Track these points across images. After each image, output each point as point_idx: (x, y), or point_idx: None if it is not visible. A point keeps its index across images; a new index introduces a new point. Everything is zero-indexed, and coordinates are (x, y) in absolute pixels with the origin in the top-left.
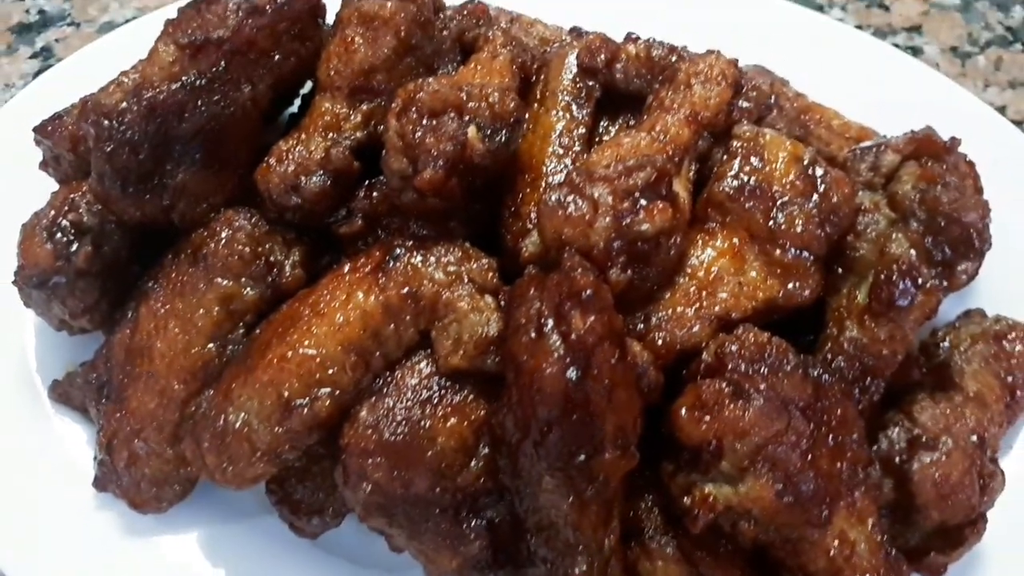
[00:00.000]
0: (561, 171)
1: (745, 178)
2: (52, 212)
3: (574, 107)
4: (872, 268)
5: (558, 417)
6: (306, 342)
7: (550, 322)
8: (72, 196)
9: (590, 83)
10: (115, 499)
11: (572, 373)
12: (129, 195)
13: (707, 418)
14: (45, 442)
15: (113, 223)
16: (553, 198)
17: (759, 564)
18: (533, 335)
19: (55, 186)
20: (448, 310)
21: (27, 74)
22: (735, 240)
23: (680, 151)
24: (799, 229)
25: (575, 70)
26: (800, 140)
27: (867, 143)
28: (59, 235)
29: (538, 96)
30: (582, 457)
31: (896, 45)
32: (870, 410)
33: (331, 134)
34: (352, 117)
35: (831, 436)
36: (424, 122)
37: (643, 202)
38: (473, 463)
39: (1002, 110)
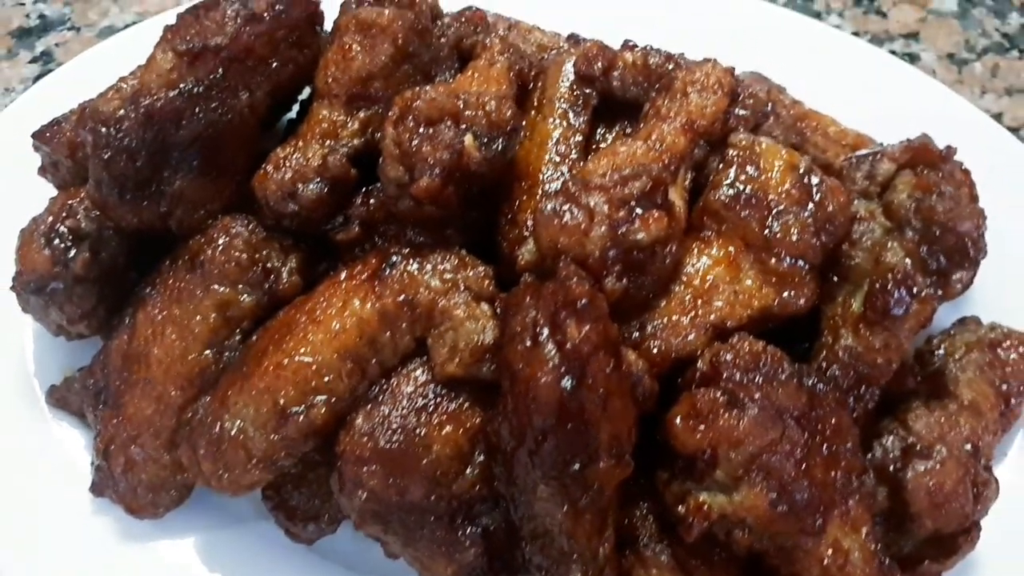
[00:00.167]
0: (558, 179)
1: (741, 187)
2: (50, 218)
3: (571, 115)
4: (867, 277)
5: (553, 426)
6: (302, 349)
7: (545, 331)
8: (70, 202)
9: (587, 91)
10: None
11: (567, 382)
12: (126, 202)
13: (702, 427)
14: (44, 446)
15: (111, 229)
16: (549, 207)
17: (753, 572)
18: (528, 344)
19: (55, 191)
20: (444, 318)
21: (27, 78)
22: (730, 248)
23: (676, 160)
24: (794, 238)
25: (572, 78)
26: (796, 147)
27: (863, 151)
28: (57, 241)
29: (535, 103)
30: (577, 466)
31: (893, 52)
32: (865, 418)
33: (328, 141)
34: (349, 124)
35: (825, 445)
36: (421, 130)
37: (639, 211)
38: (468, 470)
39: (998, 117)
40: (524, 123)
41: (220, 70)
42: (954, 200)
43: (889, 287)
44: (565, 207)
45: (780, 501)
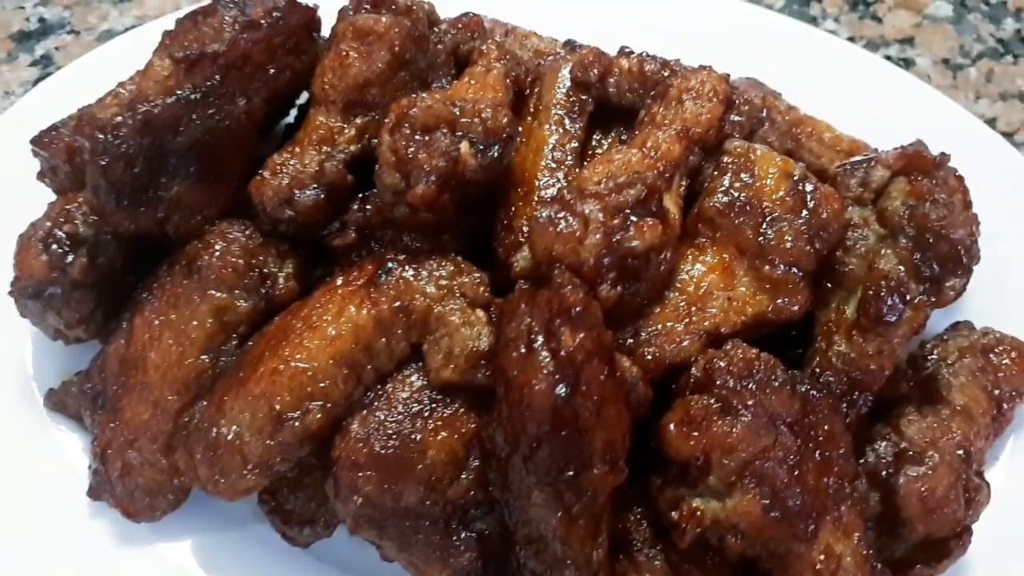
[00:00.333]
0: (553, 185)
1: (735, 194)
2: (48, 223)
3: (567, 121)
4: (861, 283)
5: (547, 433)
6: (298, 355)
7: (540, 338)
8: (68, 207)
9: (583, 97)
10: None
11: (561, 390)
12: (124, 208)
13: (695, 434)
14: (42, 449)
15: (108, 234)
16: (544, 215)
17: None
18: (523, 351)
19: (54, 194)
20: (439, 324)
21: (27, 82)
22: (725, 255)
23: (671, 167)
24: (788, 245)
25: (568, 84)
26: (791, 153)
27: (857, 158)
28: (55, 246)
29: (531, 109)
30: (571, 473)
31: (888, 57)
32: (858, 423)
33: (325, 147)
34: (346, 131)
35: (818, 451)
36: (417, 137)
37: (633, 219)
38: (463, 476)
39: (993, 122)
40: (520, 129)
41: (217, 77)
42: (948, 207)
43: (882, 294)
44: (560, 215)
45: (773, 507)
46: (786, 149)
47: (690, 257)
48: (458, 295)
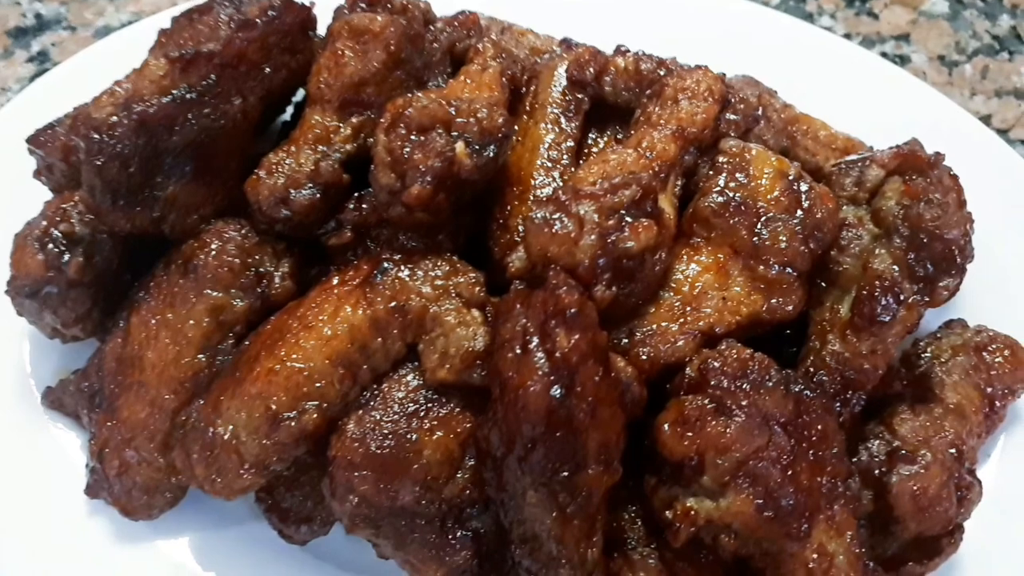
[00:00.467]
0: (549, 184)
1: (730, 194)
2: (44, 222)
3: (563, 120)
4: (855, 283)
5: (542, 434)
6: (294, 355)
7: (535, 339)
8: (64, 206)
9: (579, 96)
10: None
11: (556, 391)
12: (120, 208)
13: (689, 434)
14: (40, 447)
15: (105, 233)
16: (539, 215)
17: (739, 575)
18: (518, 352)
19: (51, 192)
20: (435, 324)
21: (23, 78)
22: (720, 255)
23: (666, 167)
24: (783, 245)
25: (564, 83)
26: (787, 151)
27: (852, 157)
28: (51, 246)
29: (527, 108)
30: (565, 473)
31: (884, 54)
32: (851, 422)
33: (321, 147)
34: (342, 130)
35: (811, 451)
36: (412, 137)
37: (628, 219)
38: (459, 475)
39: (988, 119)
40: (516, 128)
41: (213, 76)
42: (942, 207)
43: (876, 294)
44: (555, 216)
45: (766, 507)
46: (781, 147)
47: (685, 257)
48: (454, 295)
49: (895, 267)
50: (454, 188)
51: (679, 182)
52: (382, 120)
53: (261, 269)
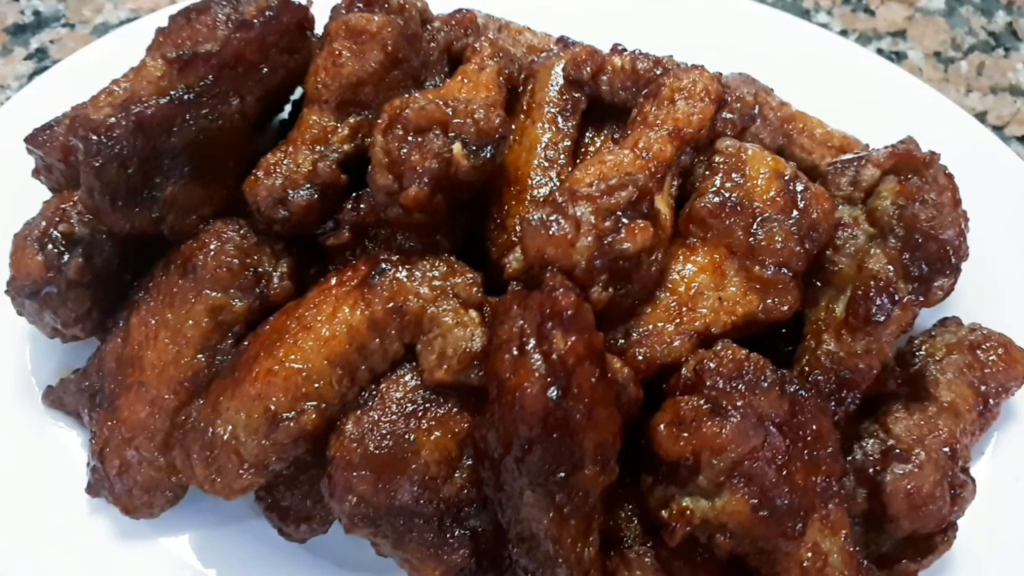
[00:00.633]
0: (546, 184)
1: (726, 194)
2: (43, 223)
3: (560, 119)
4: (850, 283)
5: (539, 435)
6: (293, 356)
7: (532, 341)
8: (63, 206)
9: (576, 95)
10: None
11: (553, 392)
12: (119, 208)
13: (685, 434)
14: (42, 445)
15: (104, 233)
16: (536, 217)
17: (735, 574)
18: (515, 353)
19: (50, 191)
20: (433, 324)
21: (22, 75)
22: (716, 256)
23: (663, 168)
24: (779, 245)
25: (561, 82)
26: (783, 149)
27: (848, 156)
28: (50, 246)
29: (524, 107)
30: (562, 474)
31: (881, 50)
32: (846, 420)
33: (319, 147)
34: (340, 130)
35: (806, 451)
36: (410, 139)
37: (625, 221)
38: (457, 474)
39: (983, 115)
40: (513, 127)
41: (210, 77)
42: (937, 208)
43: (871, 294)
44: (552, 217)
45: (761, 507)
46: (778, 145)
47: (681, 257)
48: (451, 296)
49: (890, 267)
50: (451, 189)
51: (675, 182)
52: (379, 121)
53: (260, 269)
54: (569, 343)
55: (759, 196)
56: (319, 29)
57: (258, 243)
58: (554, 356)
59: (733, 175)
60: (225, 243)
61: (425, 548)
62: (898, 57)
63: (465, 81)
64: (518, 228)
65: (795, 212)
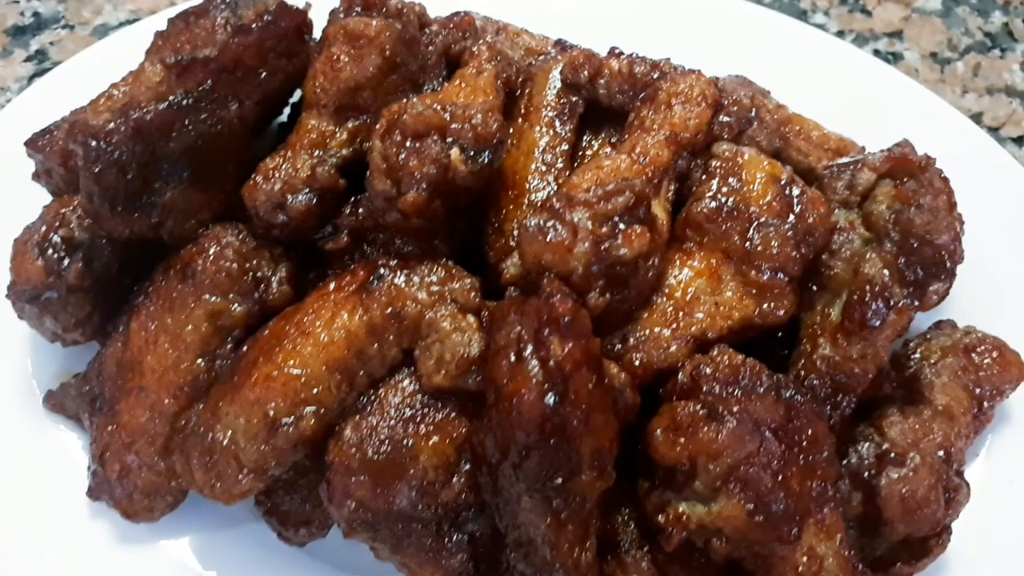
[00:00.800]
0: (544, 188)
1: (723, 199)
2: (43, 227)
3: (557, 123)
4: (846, 287)
5: (536, 442)
6: (291, 361)
7: (529, 347)
8: (63, 211)
9: (573, 99)
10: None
11: (550, 399)
12: (118, 214)
13: (681, 440)
14: (43, 448)
15: (104, 238)
16: (533, 223)
17: None
18: (513, 359)
19: (51, 195)
20: (431, 330)
21: (22, 77)
22: (712, 260)
23: (659, 172)
24: (775, 250)
25: (559, 85)
26: (779, 151)
27: (844, 160)
28: (50, 251)
29: (522, 111)
30: (559, 480)
31: (877, 51)
32: (841, 424)
33: (317, 151)
34: (338, 134)
35: (802, 456)
36: (408, 144)
37: (622, 226)
38: (455, 479)
39: (979, 116)
40: (511, 130)
41: (209, 81)
42: (932, 212)
43: (867, 299)
44: (549, 223)
45: (757, 511)
46: (774, 148)
47: (678, 262)
48: (449, 301)
49: (885, 271)
50: (449, 194)
51: (672, 187)
52: (378, 126)
53: (259, 274)
54: (566, 349)
55: (755, 201)
56: (317, 33)
57: (257, 248)
58: (551, 362)
59: (729, 180)
60: (224, 248)
61: (423, 553)
62: (894, 58)
63: (463, 85)
64: (516, 232)
65: (791, 217)
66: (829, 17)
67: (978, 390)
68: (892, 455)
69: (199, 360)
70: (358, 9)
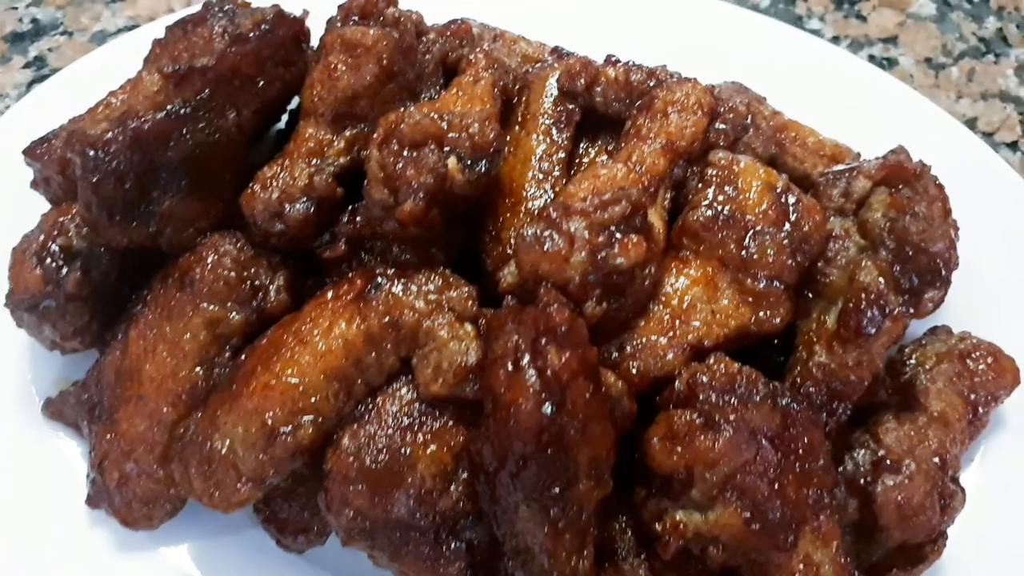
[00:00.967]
0: (541, 196)
1: (719, 207)
2: (42, 236)
3: (554, 131)
4: (842, 295)
5: (533, 451)
6: (289, 370)
7: (526, 357)
8: (61, 219)
9: (570, 106)
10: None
11: (547, 408)
12: (116, 223)
13: (678, 448)
14: (42, 456)
15: (102, 246)
16: (530, 232)
17: None
18: (510, 369)
19: (49, 203)
20: (428, 339)
21: (21, 84)
22: (708, 268)
23: (656, 181)
24: (771, 258)
25: (555, 93)
26: (775, 158)
27: (839, 167)
28: (49, 260)
29: (519, 119)
30: (557, 489)
31: (872, 56)
32: (837, 431)
33: (315, 160)
34: (335, 143)
35: (798, 464)
36: (405, 153)
37: (618, 236)
38: (452, 487)
39: (973, 121)
40: (508, 138)
41: (207, 90)
42: (927, 220)
43: (863, 306)
44: (546, 233)
45: (753, 519)
46: (770, 154)
47: (674, 270)
48: (446, 309)
49: (881, 279)
50: (447, 203)
51: (668, 195)
52: (375, 136)
53: (257, 282)
54: (563, 359)
55: (751, 209)
56: (315, 42)
57: (255, 256)
58: (548, 372)
59: (725, 188)
60: (222, 256)
61: (421, 561)
62: (889, 63)
63: (460, 93)
64: (513, 241)
65: (787, 225)
66: (824, 23)
67: (973, 396)
68: (888, 462)
69: (197, 368)
70: (355, 18)
